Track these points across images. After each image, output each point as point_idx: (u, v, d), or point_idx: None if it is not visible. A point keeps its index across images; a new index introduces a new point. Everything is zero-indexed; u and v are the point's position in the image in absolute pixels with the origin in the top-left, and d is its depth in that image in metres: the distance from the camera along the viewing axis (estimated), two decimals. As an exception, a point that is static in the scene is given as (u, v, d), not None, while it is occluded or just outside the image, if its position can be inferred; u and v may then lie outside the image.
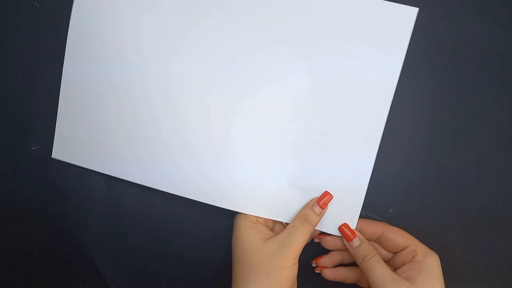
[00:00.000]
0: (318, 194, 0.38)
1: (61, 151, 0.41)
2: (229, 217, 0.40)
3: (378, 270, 0.35)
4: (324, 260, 0.39)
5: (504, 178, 0.40)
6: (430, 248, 0.37)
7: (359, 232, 0.38)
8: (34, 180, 0.42)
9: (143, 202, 0.42)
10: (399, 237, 0.37)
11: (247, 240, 0.37)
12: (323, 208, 0.37)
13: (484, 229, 0.40)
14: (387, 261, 0.39)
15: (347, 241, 0.37)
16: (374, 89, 0.37)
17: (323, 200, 0.37)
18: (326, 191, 0.38)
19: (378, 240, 0.38)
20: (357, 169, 0.38)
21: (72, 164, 0.41)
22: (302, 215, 0.37)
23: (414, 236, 0.38)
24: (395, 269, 0.37)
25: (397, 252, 0.38)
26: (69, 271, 0.43)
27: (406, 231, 0.39)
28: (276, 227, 0.40)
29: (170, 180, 0.39)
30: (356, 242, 0.37)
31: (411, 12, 0.37)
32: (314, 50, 0.37)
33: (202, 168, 0.39)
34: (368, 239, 0.38)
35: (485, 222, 0.40)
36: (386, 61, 0.37)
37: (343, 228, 0.37)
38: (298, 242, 0.36)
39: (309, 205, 0.38)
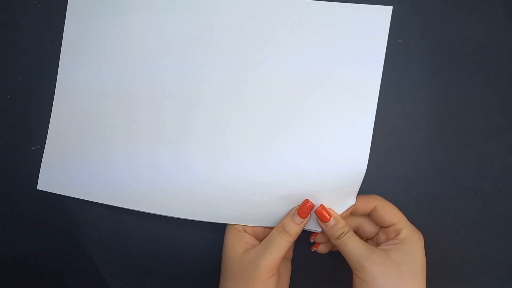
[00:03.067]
0: (307, 196, 0.38)
1: (47, 182, 0.41)
2: (229, 217, 0.40)
3: (353, 244, 0.35)
4: (320, 236, 0.39)
5: (504, 178, 0.40)
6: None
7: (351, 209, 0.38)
8: (34, 180, 0.42)
9: (143, 202, 0.42)
10: (388, 214, 0.37)
11: (230, 249, 0.37)
12: (304, 217, 0.36)
13: (484, 229, 0.40)
14: (371, 238, 0.39)
15: (323, 222, 0.36)
16: (360, 89, 0.38)
17: (303, 209, 0.36)
18: (306, 199, 0.37)
19: (369, 214, 0.38)
20: (350, 169, 0.38)
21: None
22: (280, 225, 0.36)
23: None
24: (377, 245, 0.37)
25: (384, 227, 0.38)
26: (69, 271, 0.43)
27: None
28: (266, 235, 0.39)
29: (163, 203, 0.39)
30: (332, 221, 0.36)
31: (386, 11, 0.38)
32: (298, 50, 0.38)
33: (188, 184, 0.39)
34: (359, 214, 0.38)
35: (485, 222, 0.40)
36: (368, 61, 0.38)
37: (319, 210, 0.36)
38: (273, 255, 0.35)
39: (289, 215, 0.37)
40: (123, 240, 0.42)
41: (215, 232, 0.42)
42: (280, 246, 0.35)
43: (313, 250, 0.39)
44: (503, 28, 0.40)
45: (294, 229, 0.36)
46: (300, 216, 0.36)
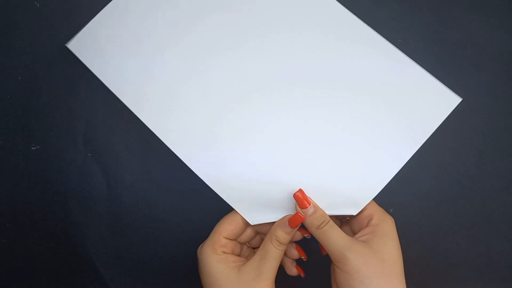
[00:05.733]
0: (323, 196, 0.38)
1: (79, 45, 0.40)
2: (229, 217, 0.40)
3: (335, 235, 0.34)
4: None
5: (504, 178, 0.40)
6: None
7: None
8: (34, 180, 0.42)
9: (143, 202, 0.42)
10: None
11: (219, 275, 0.35)
12: (294, 228, 0.36)
13: (484, 229, 0.41)
14: (343, 226, 0.39)
15: (302, 208, 0.36)
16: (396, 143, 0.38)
17: (294, 220, 0.35)
18: (297, 212, 0.36)
19: None
20: (366, 184, 0.38)
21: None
22: (273, 236, 0.36)
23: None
24: (353, 234, 0.37)
25: (353, 218, 0.37)
26: (69, 271, 0.43)
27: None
28: (244, 251, 0.39)
29: (178, 138, 0.39)
30: (310, 209, 0.36)
31: (454, 100, 0.38)
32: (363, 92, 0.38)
33: (226, 163, 0.39)
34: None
35: (485, 222, 0.40)
36: (413, 131, 0.38)
37: (298, 195, 0.36)
38: (272, 267, 0.35)
39: (280, 224, 0.36)
40: (123, 240, 0.42)
41: (215, 232, 0.42)
42: (276, 256, 0.35)
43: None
44: (503, 28, 0.40)
45: (286, 239, 0.36)
46: (291, 227, 0.36)
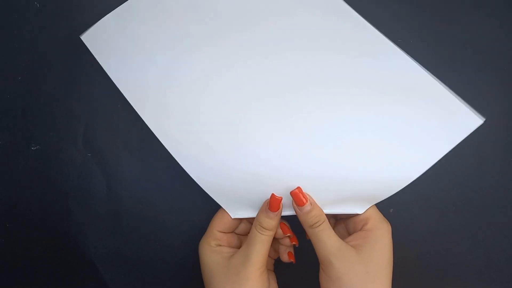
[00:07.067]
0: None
1: (92, 38, 0.39)
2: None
3: (325, 238, 0.34)
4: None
5: (504, 178, 0.40)
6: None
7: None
8: (34, 180, 0.42)
9: (143, 201, 0.42)
10: None
11: (212, 264, 0.36)
12: (275, 211, 0.36)
13: (484, 229, 0.41)
14: (338, 225, 0.39)
15: (299, 205, 0.35)
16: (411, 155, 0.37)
17: (272, 204, 0.36)
18: (272, 194, 0.36)
19: None
20: (381, 186, 0.37)
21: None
22: (257, 223, 0.36)
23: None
24: (348, 234, 0.37)
25: (351, 216, 0.37)
26: (69, 271, 0.43)
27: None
28: (243, 242, 0.39)
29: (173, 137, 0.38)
30: (307, 207, 0.35)
31: (474, 121, 0.36)
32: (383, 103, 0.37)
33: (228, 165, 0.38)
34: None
35: (485, 222, 0.40)
36: (430, 148, 0.37)
37: (295, 192, 0.36)
38: (258, 252, 0.35)
39: (262, 209, 0.36)
40: (123, 240, 0.42)
41: (215, 232, 0.42)
42: (263, 242, 0.35)
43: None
44: (503, 28, 0.40)
45: (271, 223, 0.35)
46: (271, 211, 0.36)
